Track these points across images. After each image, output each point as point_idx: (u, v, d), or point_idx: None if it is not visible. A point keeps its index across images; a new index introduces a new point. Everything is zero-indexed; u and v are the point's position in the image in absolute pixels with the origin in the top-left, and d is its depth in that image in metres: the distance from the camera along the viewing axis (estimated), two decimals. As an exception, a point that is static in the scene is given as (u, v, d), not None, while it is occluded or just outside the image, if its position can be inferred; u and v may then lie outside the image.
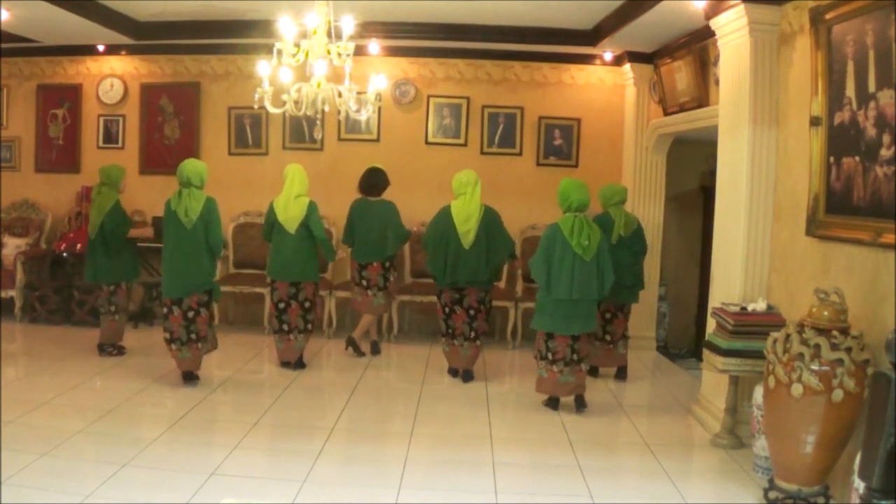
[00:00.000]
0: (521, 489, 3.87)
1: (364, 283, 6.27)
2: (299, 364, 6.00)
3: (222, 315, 7.42)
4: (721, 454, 4.44)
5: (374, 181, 6.30)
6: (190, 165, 5.32)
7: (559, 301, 4.91)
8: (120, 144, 7.73)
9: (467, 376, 5.85)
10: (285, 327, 5.90)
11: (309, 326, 5.97)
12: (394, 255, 6.34)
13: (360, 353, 6.45)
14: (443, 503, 3.65)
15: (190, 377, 5.36)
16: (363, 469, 4.08)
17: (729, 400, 4.49)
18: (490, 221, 5.70)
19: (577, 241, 4.87)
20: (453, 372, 5.95)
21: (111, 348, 6.06)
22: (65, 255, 7.15)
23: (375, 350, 6.57)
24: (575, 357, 5.02)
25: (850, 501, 3.13)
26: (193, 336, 5.28)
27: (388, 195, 6.36)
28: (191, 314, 5.26)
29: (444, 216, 5.72)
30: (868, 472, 2.75)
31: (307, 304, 5.92)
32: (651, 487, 3.96)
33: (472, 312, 5.75)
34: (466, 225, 5.62)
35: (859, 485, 2.89)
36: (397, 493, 3.72)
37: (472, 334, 5.77)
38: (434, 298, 6.12)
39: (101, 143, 7.75)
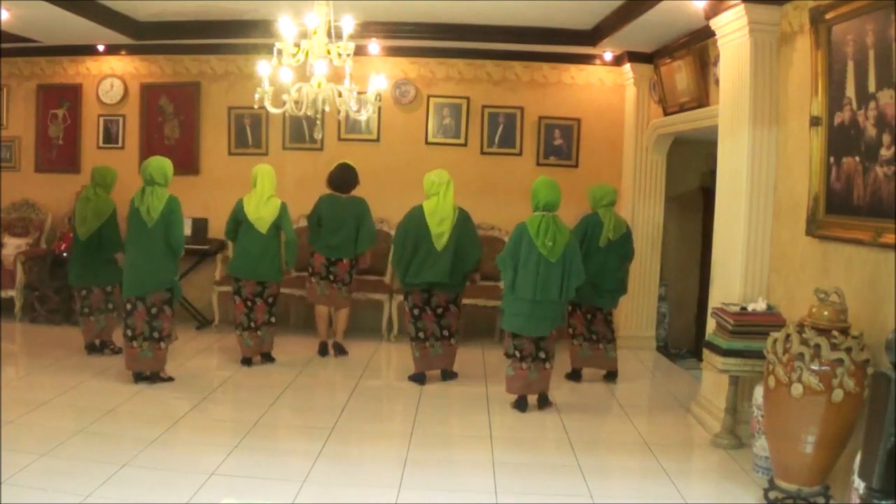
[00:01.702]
0: (521, 489, 3.86)
1: (331, 277, 6.24)
2: (268, 358, 6.09)
3: (222, 315, 7.41)
4: (721, 454, 4.44)
5: (347, 178, 6.27)
6: (155, 163, 5.28)
7: (523, 301, 4.88)
8: (120, 144, 7.73)
9: (445, 376, 5.78)
10: (252, 324, 5.96)
11: (272, 320, 6.05)
12: (362, 253, 6.29)
13: (344, 352, 6.43)
14: (443, 503, 3.66)
15: (140, 377, 5.30)
16: (363, 469, 4.09)
17: (729, 400, 4.49)
18: (463, 225, 5.61)
19: (542, 242, 4.83)
20: (418, 378, 5.70)
21: (112, 344, 6.07)
22: (65, 255, 7.12)
23: (341, 351, 6.45)
24: (542, 355, 5.02)
25: (850, 501, 3.13)
26: (156, 335, 5.24)
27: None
28: (154, 310, 5.23)
29: (417, 217, 5.57)
30: (868, 472, 2.75)
31: (271, 300, 6.01)
32: (651, 487, 3.96)
33: (439, 311, 5.68)
34: (441, 227, 5.53)
35: (859, 485, 2.90)
36: (397, 493, 3.72)
37: (445, 332, 5.69)
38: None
39: (101, 143, 7.75)
